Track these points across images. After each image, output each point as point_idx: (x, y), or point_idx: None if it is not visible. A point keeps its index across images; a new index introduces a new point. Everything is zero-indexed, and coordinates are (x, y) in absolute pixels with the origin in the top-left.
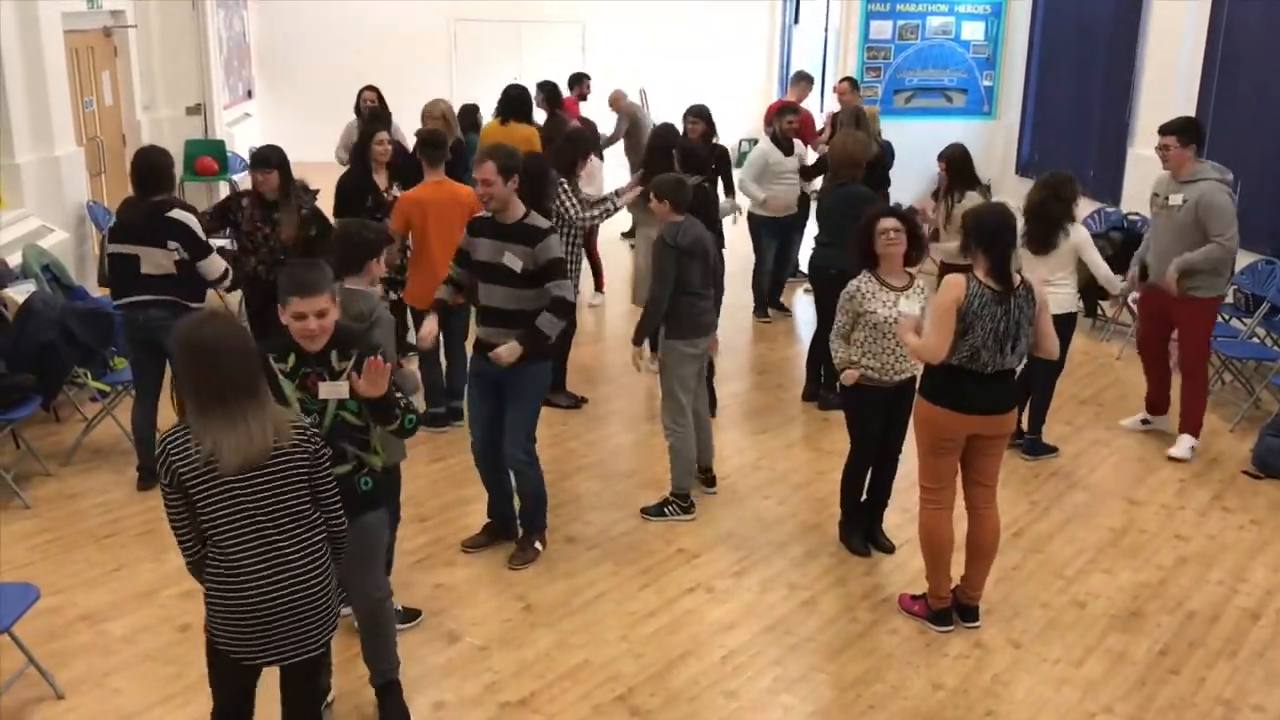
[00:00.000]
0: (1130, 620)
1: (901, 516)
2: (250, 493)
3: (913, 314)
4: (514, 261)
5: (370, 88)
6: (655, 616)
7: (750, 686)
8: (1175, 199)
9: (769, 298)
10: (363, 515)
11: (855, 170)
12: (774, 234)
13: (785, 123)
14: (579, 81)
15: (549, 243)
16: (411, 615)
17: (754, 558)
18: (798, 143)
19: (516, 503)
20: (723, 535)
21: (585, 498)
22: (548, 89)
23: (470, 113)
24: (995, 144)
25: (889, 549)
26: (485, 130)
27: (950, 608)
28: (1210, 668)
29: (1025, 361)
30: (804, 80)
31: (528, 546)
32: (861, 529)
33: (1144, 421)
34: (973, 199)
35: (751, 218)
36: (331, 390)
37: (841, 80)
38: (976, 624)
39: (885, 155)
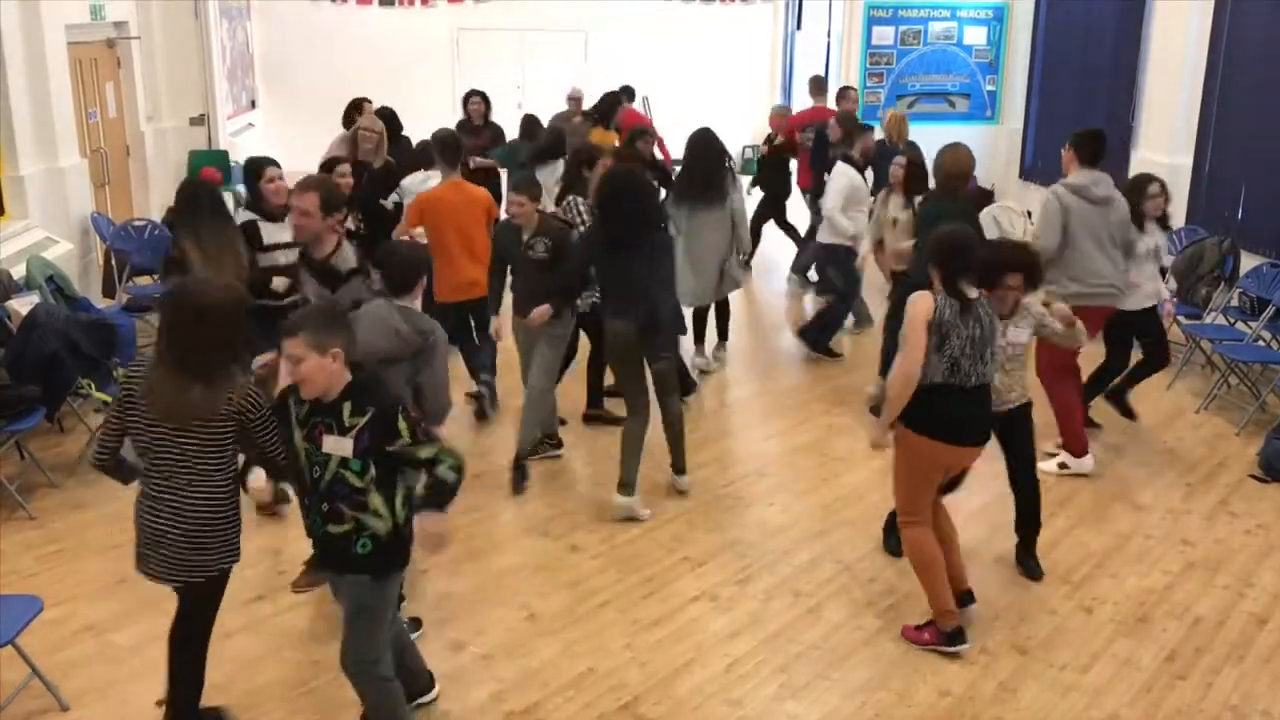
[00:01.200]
0: (1137, 626)
1: None
2: (167, 439)
3: (1021, 341)
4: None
5: (365, 100)
6: (659, 625)
7: (755, 695)
8: None
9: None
10: (353, 575)
11: (966, 182)
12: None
13: (867, 141)
14: (631, 96)
15: (350, 286)
16: (414, 625)
17: (758, 565)
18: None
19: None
20: (727, 543)
21: (589, 507)
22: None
23: (531, 123)
24: (999, 149)
25: (1036, 574)
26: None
27: (960, 625)
28: (1217, 673)
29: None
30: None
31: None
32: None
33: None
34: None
35: (837, 249)
36: (335, 445)
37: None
38: (974, 603)
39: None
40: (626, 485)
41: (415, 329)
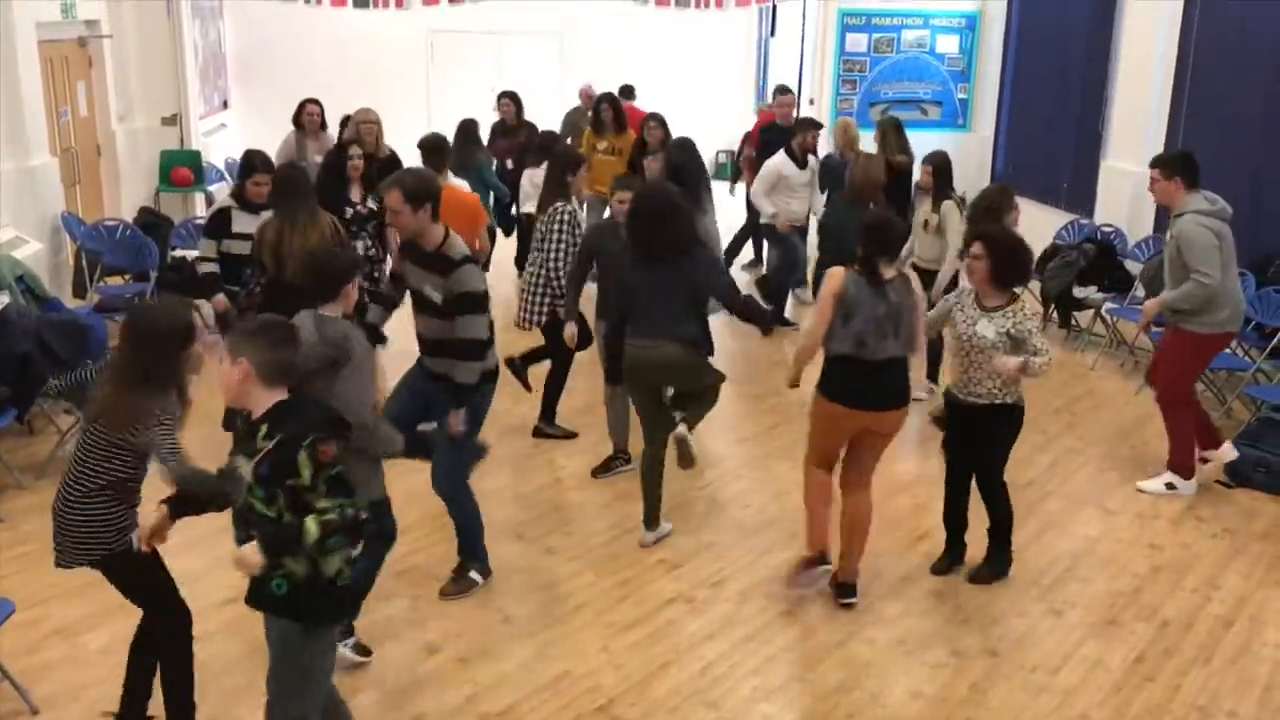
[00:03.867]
0: (1106, 628)
1: (877, 526)
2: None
3: (986, 336)
4: (433, 294)
5: (313, 101)
6: (635, 627)
7: (730, 696)
8: (1168, 234)
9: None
10: (278, 621)
11: (877, 193)
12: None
13: (809, 138)
14: (630, 94)
15: (461, 275)
16: (362, 652)
17: (733, 568)
18: (809, 156)
19: None
20: (702, 545)
21: (565, 509)
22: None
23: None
24: (970, 156)
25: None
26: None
27: (815, 556)
28: (1185, 675)
29: None
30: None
31: (461, 577)
32: (952, 552)
33: (1169, 485)
34: (949, 208)
35: (765, 229)
36: (240, 466)
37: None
38: (854, 600)
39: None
40: (651, 520)
41: (324, 339)
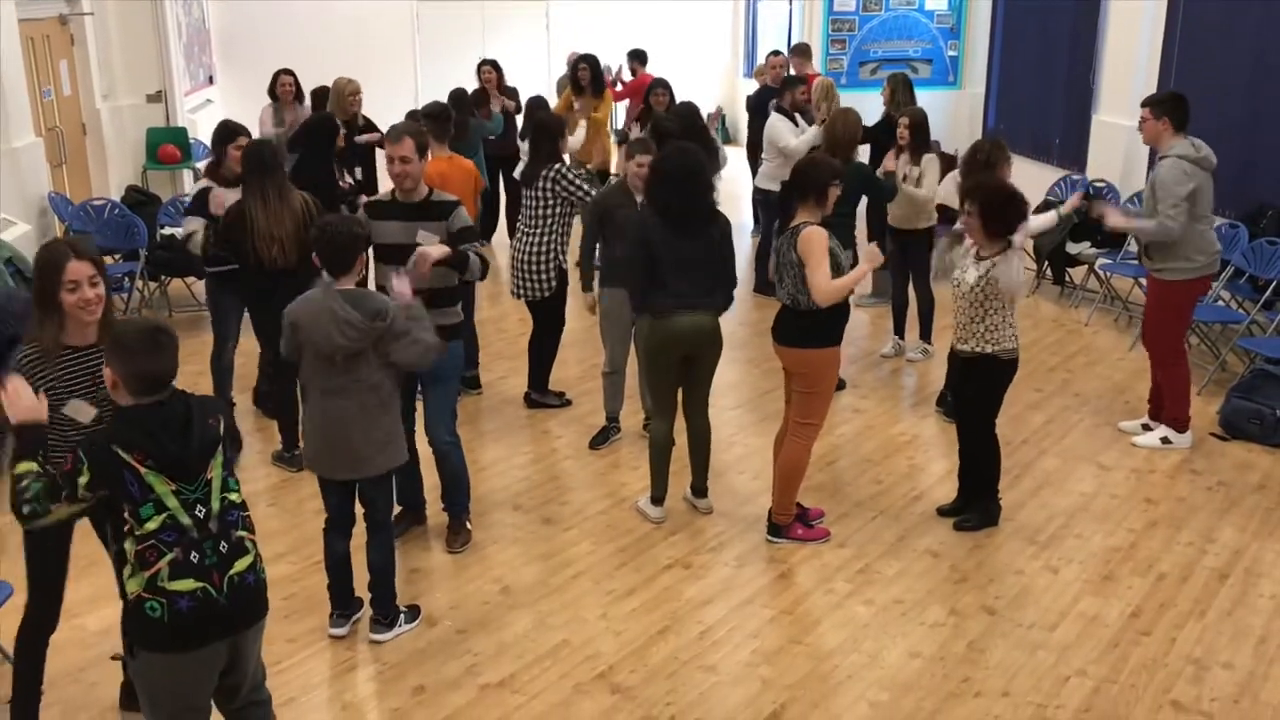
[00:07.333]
0: (1102, 584)
1: (874, 488)
2: None
3: (967, 281)
4: (428, 238)
5: (287, 71)
6: (633, 594)
7: (729, 660)
8: (1149, 173)
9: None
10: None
11: (852, 148)
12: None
13: (798, 93)
14: (638, 58)
15: (460, 213)
16: (414, 614)
17: (730, 533)
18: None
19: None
20: (699, 511)
21: (561, 478)
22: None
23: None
24: (961, 113)
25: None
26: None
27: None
28: (1180, 628)
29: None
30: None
31: (460, 529)
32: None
33: (1145, 426)
34: (930, 160)
35: (762, 193)
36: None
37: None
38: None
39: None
40: (659, 500)
41: (368, 314)
